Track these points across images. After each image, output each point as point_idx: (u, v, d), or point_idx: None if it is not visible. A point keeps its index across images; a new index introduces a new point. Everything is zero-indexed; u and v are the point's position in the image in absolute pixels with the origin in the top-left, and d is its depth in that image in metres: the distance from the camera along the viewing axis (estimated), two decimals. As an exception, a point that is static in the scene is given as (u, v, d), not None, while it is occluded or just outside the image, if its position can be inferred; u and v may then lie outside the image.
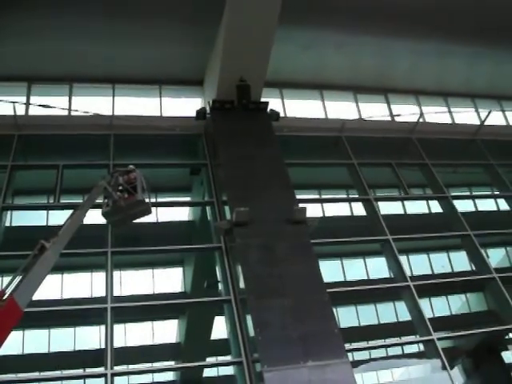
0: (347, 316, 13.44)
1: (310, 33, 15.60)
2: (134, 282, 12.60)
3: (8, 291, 6.50)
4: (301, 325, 9.94)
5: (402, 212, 15.61)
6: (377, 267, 14.19)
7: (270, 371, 9.24)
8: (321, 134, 15.88)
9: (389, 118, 17.53)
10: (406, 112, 17.58)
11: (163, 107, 15.65)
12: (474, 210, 16.32)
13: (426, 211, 15.97)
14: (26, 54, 14.47)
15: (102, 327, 10.67)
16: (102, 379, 9.73)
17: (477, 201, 16.68)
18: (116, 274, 11.66)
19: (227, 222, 11.78)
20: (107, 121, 14.44)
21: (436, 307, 13.60)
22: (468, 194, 17.19)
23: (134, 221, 9.23)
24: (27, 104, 14.76)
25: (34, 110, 14.63)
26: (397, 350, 12.44)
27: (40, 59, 14.70)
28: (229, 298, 11.24)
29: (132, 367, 11.16)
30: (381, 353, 12.16)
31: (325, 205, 15.02)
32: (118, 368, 10.13)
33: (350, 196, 15.67)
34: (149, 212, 9.19)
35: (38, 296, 7.00)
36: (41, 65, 14.84)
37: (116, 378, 9.84)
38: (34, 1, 13.37)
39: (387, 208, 14.90)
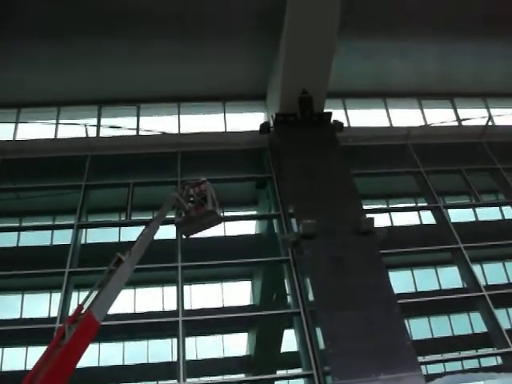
0: (419, 328, 13.10)
1: (370, 41, 15.47)
2: (204, 296, 12.78)
3: (85, 306, 6.77)
4: (372, 337, 9.77)
5: (473, 219, 15.14)
6: (449, 277, 13.79)
7: (342, 384, 9.14)
8: (386, 143, 15.67)
9: (456, 123, 17.08)
10: (474, 116, 17.09)
11: (227, 123, 15.92)
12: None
13: (499, 217, 15.41)
14: (96, 78, 15.14)
15: (174, 340, 10.87)
16: (176, 391, 9.90)
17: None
18: (186, 287, 11.89)
19: (294, 235, 11.79)
20: (174, 139, 14.89)
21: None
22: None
23: (205, 230, 9.53)
24: (98, 126, 15.40)
25: (105, 132, 15.25)
26: (473, 363, 12.01)
27: (109, 83, 15.34)
28: (298, 310, 11.21)
29: (203, 379, 11.30)
30: (456, 366, 11.75)
31: (393, 214, 14.77)
32: (190, 380, 10.27)
33: (419, 204, 15.34)
34: (219, 221, 9.55)
35: (112, 310, 7.23)
36: (110, 88, 15.48)
37: (189, 390, 9.98)
38: (101, 28, 13.96)
39: (458, 215, 14.50)
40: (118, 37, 14.14)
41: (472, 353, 12.18)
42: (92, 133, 15.08)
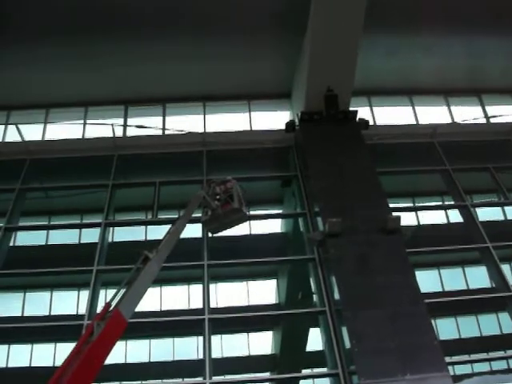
0: (447, 328, 12.96)
1: (395, 38, 15.37)
2: (230, 294, 12.82)
3: (113, 303, 6.85)
4: (398, 337, 9.69)
5: (502, 218, 14.92)
6: (476, 277, 13.61)
7: (368, 384, 9.10)
8: (412, 141, 15.52)
9: (484, 120, 16.83)
10: (502, 113, 16.82)
11: (253, 122, 15.95)
12: None
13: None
14: (122, 78, 15.33)
15: (200, 338, 10.94)
16: (202, 389, 9.96)
17: None
18: (212, 286, 11.95)
19: (320, 233, 11.76)
20: (200, 138, 14.98)
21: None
22: None
23: (231, 228, 9.58)
24: (125, 126, 15.57)
25: (131, 131, 15.42)
26: (502, 365, 11.84)
27: (135, 83, 15.51)
28: (324, 309, 11.18)
29: (229, 377, 11.34)
30: (484, 367, 11.60)
31: (419, 213, 14.63)
32: (216, 378, 10.33)
33: (446, 203, 15.17)
34: (245, 219, 9.61)
35: (139, 308, 7.30)
36: (137, 88, 15.64)
37: (214, 388, 10.03)
38: (126, 28, 14.11)
39: (486, 214, 14.29)
40: (143, 36, 14.26)
41: (501, 354, 12.02)
42: (119, 132, 15.25)
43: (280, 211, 15.61)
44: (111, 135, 14.99)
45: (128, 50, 14.68)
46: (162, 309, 12.54)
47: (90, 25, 13.85)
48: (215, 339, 11.21)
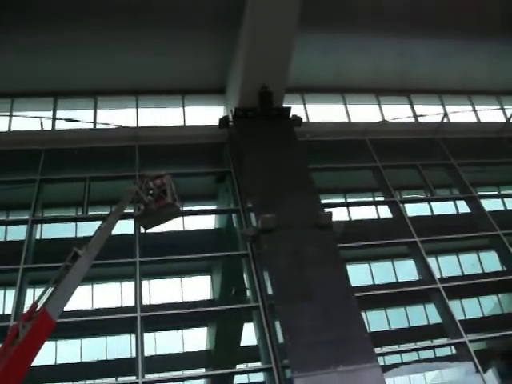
0: (377, 320, 13.35)
1: (330, 37, 15.61)
2: (163, 291, 12.71)
3: (40, 303, 6.62)
4: (330, 330, 9.88)
5: (428, 213, 15.47)
6: (405, 270, 14.06)
7: (301, 377, 9.21)
8: (344, 138, 15.83)
9: (412, 119, 17.39)
10: (430, 112, 17.43)
11: (186, 117, 15.80)
12: (502, 209, 16.07)
13: (454, 212, 15.79)
14: (52, 69, 14.77)
15: (133, 336, 10.77)
16: (134, 388, 9.82)
17: (506, 200, 16.41)
18: (145, 283, 11.78)
19: (253, 229, 11.81)
20: (132, 132, 14.67)
21: (467, 309, 13.43)
22: (496, 193, 16.95)
23: (164, 223, 9.48)
24: (54, 119, 15.04)
25: (61, 125, 14.91)
26: (429, 354, 12.30)
27: (65, 74, 14.98)
28: (257, 304, 11.25)
29: (163, 375, 11.23)
30: (412, 356, 12.03)
31: (351, 208, 14.95)
32: (149, 376, 10.20)
33: (376, 199, 15.57)
34: (178, 214, 9.53)
35: (69, 307, 7.11)
36: (66, 79, 15.12)
37: (147, 386, 9.91)
38: (59, 17, 13.64)
39: (414, 210, 14.78)
40: (75, 27, 13.79)
41: (427, 343, 12.48)
42: (47, 126, 14.70)
43: (214, 207, 15.60)
44: (39, 128, 14.41)
45: (59, 40, 14.14)
46: (94, 307, 12.28)
47: (20, 12, 13.26)
48: (149, 337, 11.09)
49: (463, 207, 15.38)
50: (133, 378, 10.00)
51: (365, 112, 17.23)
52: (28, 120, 14.73)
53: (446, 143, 16.57)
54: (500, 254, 14.12)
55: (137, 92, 15.86)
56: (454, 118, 17.59)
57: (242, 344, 12.92)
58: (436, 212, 15.58)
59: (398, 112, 17.39)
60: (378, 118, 17.05)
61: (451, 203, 15.89)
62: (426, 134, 16.74)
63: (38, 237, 12.94)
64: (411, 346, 12.20)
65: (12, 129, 14.89)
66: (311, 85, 16.73)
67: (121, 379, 11.10)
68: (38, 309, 6.55)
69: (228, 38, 14.42)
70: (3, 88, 15.03)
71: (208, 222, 14.61)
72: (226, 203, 14.60)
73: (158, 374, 11.09)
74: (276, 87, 14.27)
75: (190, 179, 14.49)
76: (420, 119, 17.39)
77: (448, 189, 16.31)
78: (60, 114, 15.23)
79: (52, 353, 11.38)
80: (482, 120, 18.08)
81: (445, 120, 16.93)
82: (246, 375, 11.98)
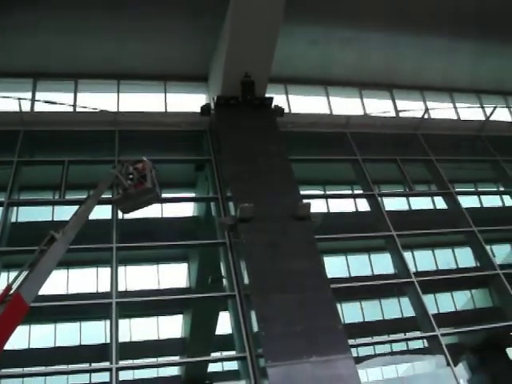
0: (351, 312, 13.49)
1: (315, 28, 15.57)
2: (139, 278, 12.68)
3: (14, 286, 6.55)
4: (304, 320, 9.96)
5: (406, 208, 15.62)
6: (381, 263, 14.20)
7: (274, 366, 9.27)
8: (325, 130, 15.84)
9: (394, 114, 17.49)
10: (412, 108, 17.54)
11: (168, 103, 15.67)
12: (479, 206, 16.30)
13: (431, 207, 15.97)
14: (32, 50, 14.52)
15: (107, 322, 10.72)
16: (107, 373, 9.77)
17: (482, 197, 16.65)
18: (121, 269, 11.72)
19: (231, 218, 11.80)
20: (112, 117, 14.50)
21: (441, 303, 13.63)
22: (473, 190, 17.17)
23: (143, 208, 9.46)
24: (33, 100, 14.81)
25: (40, 107, 14.69)
26: (401, 346, 12.49)
27: (45, 55, 14.75)
28: (233, 293, 11.26)
29: (137, 362, 11.23)
30: (385, 348, 12.20)
31: (329, 201, 15.04)
32: (123, 362, 10.18)
33: (355, 192, 15.67)
34: (157, 200, 9.55)
35: (43, 291, 7.05)
36: (46, 61, 14.89)
37: (121, 373, 9.88)
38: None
39: (392, 204, 14.90)
40: (57, 6, 13.56)
41: (400, 336, 12.64)
42: (26, 107, 14.48)
43: (193, 195, 15.54)
44: (18, 110, 14.18)
45: (41, 20, 13.90)
46: (69, 292, 12.22)
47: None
48: (124, 323, 11.06)
49: (440, 203, 15.55)
50: (107, 364, 9.95)
51: (347, 105, 17.25)
52: (6, 101, 14.47)
53: (426, 139, 16.72)
54: (474, 251, 14.32)
55: (118, 76, 15.67)
56: (434, 115, 17.73)
57: (217, 332, 12.96)
58: (414, 207, 15.74)
59: (380, 106, 17.45)
60: (360, 112, 17.12)
61: (429, 199, 16.10)
62: (406, 129, 16.86)
63: (13, 220, 12.76)
64: (384, 338, 12.33)
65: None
66: (295, 76, 16.71)
67: (94, 365, 11.08)
68: (11, 292, 6.48)
69: (212, 26, 14.30)
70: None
71: (186, 210, 14.58)
72: (205, 191, 14.56)
73: (132, 361, 11.08)
74: (259, 77, 14.22)
75: (170, 166, 14.42)
76: (401, 114, 17.49)
77: (426, 184, 16.48)
78: (39, 95, 15.00)
79: (25, 337, 11.30)
80: (462, 117, 18.25)
81: (426, 116, 17.05)
82: (220, 363, 12.04)
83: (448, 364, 10.93)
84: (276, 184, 12.41)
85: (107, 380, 9.68)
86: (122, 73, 15.54)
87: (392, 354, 12.29)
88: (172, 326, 13.22)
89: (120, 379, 9.77)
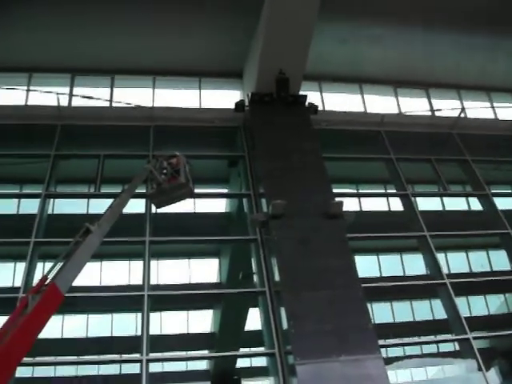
0: (382, 312, 13.37)
1: (349, 26, 15.50)
2: (171, 272, 12.80)
3: (50, 276, 6.70)
4: (334, 319, 9.92)
5: (440, 208, 15.40)
6: (413, 264, 14.04)
7: (303, 364, 9.27)
8: (359, 128, 15.74)
9: (429, 113, 17.25)
10: (447, 107, 17.28)
11: (202, 99, 15.79)
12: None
13: (466, 208, 15.71)
14: (70, 45, 14.80)
15: (139, 315, 10.87)
16: (138, 365, 9.91)
17: (519, 199, 16.32)
18: (153, 263, 11.84)
19: (263, 215, 11.82)
20: (147, 112, 14.69)
21: (473, 306, 13.41)
22: (509, 191, 16.83)
23: (176, 203, 9.57)
24: (70, 95, 15.10)
25: (77, 101, 14.97)
26: (432, 349, 12.31)
27: (84, 51, 15.01)
28: (263, 289, 11.28)
29: (167, 354, 11.35)
30: (415, 350, 12.05)
31: (362, 199, 14.93)
32: (153, 354, 10.30)
33: (388, 191, 15.52)
34: (191, 195, 9.64)
35: (77, 282, 7.16)
36: (84, 57, 15.15)
37: (151, 365, 10.00)
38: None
39: (425, 204, 14.72)
40: (94, 4, 13.80)
41: (431, 338, 12.48)
42: (64, 102, 14.77)
43: (225, 191, 15.61)
44: (56, 104, 14.47)
45: (79, 17, 14.15)
46: (102, 284, 12.41)
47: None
48: (155, 316, 11.19)
49: (475, 204, 15.29)
50: (137, 356, 10.11)
51: (381, 103, 17.10)
52: (45, 95, 14.79)
53: (462, 139, 16.44)
54: (509, 253, 14.03)
55: (154, 72, 15.86)
56: (471, 114, 17.42)
57: (246, 328, 13.00)
58: (448, 207, 15.51)
59: (415, 105, 17.24)
60: (395, 111, 16.94)
61: (463, 199, 15.82)
62: (442, 129, 16.60)
63: (50, 211, 13.03)
64: (414, 339, 12.21)
65: (28, 103, 14.97)
66: (329, 73, 16.62)
67: (125, 356, 11.25)
68: (47, 282, 6.62)
69: (248, 23, 14.34)
70: (20, 63, 15.10)
71: (219, 206, 14.66)
72: (238, 187, 14.61)
73: (162, 353, 11.20)
74: (293, 74, 14.19)
75: (204, 162, 14.50)
76: (437, 113, 17.24)
77: (461, 185, 16.22)
78: (77, 91, 15.28)
79: (59, 327, 11.52)
80: (500, 117, 17.88)
81: (462, 115, 16.77)
82: (248, 359, 12.08)
83: (479, 369, 10.75)
84: (309, 181, 12.36)
85: (137, 372, 9.81)
86: (157, 69, 15.72)
87: (422, 356, 12.15)
88: (202, 321, 13.31)
89: (150, 371, 9.91)
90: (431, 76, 17.49)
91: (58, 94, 14.47)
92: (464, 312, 12.02)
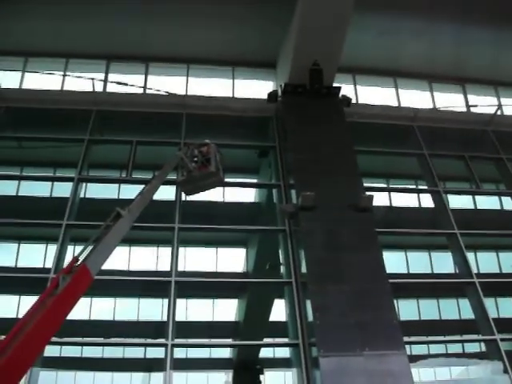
0: (408, 309, 13.24)
1: (385, 19, 15.33)
2: (199, 259, 12.88)
3: (81, 258, 6.82)
4: (360, 313, 9.88)
5: (472, 206, 15.16)
6: (441, 262, 13.88)
7: (326, 356, 9.26)
8: (392, 122, 15.59)
9: (464, 109, 16.96)
10: (484, 103, 16.96)
11: (235, 89, 15.80)
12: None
13: (498, 207, 15.42)
14: (107, 33, 14.99)
15: (165, 300, 10.99)
16: (163, 349, 10.05)
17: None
18: (181, 250, 11.94)
19: (293, 206, 11.81)
20: (180, 100, 14.77)
21: (502, 307, 13.19)
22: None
23: (206, 191, 9.61)
24: (105, 81, 15.28)
25: (112, 87, 15.14)
26: (457, 349, 12.17)
27: (120, 38, 15.18)
28: (290, 280, 11.31)
29: (191, 340, 11.46)
30: (440, 349, 11.93)
31: (392, 194, 14.78)
32: (178, 340, 10.41)
33: (419, 187, 15.34)
34: (221, 184, 9.69)
35: (106, 266, 7.26)
36: (120, 44, 15.33)
37: (175, 350, 10.13)
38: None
39: (457, 201, 14.50)
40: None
41: (457, 337, 12.34)
42: (99, 88, 14.95)
43: (255, 181, 15.62)
44: (91, 89, 14.68)
45: (115, 4, 14.30)
46: (130, 269, 12.56)
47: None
48: (181, 302, 11.29)
49: (508, 203, 15.00)
50: (162, 340, 10.24)
51: (416, 98, 16.88)
52: (81, 81, 15.00)
53: (497, 136, 16.12)
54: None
55: (187, 60, 15.94)
56: (508, 112, 17.07)
57: (271, 319, 13.04)
58: (480, 206, 15.26)
59: (450, 101, 16.97)
60: (429, 105, 16.70)
61: (496, 198, 15.52)
62: (477, 125, 16.31)
63: (82, 195, 13.25)
64: (440, 338, 12.08)
65: (64, 88, 15.21)
66: (363, 66, 16.49)
67: (150, 340, 11.41)
68: (78, 263, 6.74)
69: (282, 13, 14.25)
70: (57, 48, 15.33)
71: (248, 196, 14.69)
72: (268, 178, 14.61)
73: (187, 340, 11.31)
74: (327, 65, 14.10)
75: (235, 151, 14.55)
76: (472, 110, 16.93)
77: (494, 183, 15.93)
78: (112, 77, 15.46)
79: (87, 309, 11.71)
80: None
81: (498, 112, 16.45)
82: (272, 350, 12.11)
83: (505, 371, 10.57)
84: (339, 174, 12.29)
85: (162, 356, 9.95)
86: (191, 57, 15.80)
87: (447, 355, 12.02)
88: (227, 310, 13.37)
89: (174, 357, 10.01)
90: (468, 71, 17.18)
91: (93, 79, 14.66)
92: (492, 313, 11.83)
